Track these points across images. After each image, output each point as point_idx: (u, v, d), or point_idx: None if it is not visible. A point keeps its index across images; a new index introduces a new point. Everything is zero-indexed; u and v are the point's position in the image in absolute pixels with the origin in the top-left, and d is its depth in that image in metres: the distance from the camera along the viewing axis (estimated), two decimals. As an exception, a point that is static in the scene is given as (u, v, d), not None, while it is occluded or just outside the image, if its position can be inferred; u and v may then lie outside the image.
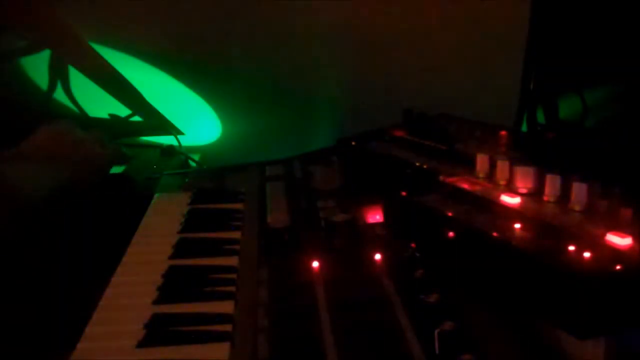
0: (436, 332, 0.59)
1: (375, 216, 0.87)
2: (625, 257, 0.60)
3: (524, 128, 1.23)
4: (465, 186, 0.80)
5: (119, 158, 1.11)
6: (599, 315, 0.57)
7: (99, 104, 1.39)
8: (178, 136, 1.36)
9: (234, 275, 0.73)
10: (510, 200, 0.74)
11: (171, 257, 0.79)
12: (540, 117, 1.21)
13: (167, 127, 1.39)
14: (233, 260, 0.77)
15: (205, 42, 1.43)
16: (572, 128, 1.17)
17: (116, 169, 1.17)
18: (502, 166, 0.80)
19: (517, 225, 0.69)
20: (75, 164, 0.94)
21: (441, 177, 0.83)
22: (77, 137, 0.99)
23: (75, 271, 0.92)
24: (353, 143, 1.07)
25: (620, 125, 1.10)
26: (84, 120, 1.39)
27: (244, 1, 1.39)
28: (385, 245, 0.78)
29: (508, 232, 0.68)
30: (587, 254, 0.60)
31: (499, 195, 0.75)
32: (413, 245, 0.77)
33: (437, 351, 0.58)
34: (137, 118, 1.40)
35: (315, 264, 0.74)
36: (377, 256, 0.76)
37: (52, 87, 1.40)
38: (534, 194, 0.75)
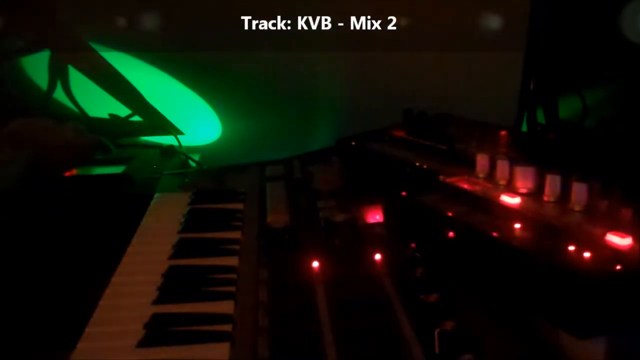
0: (436, 332, 0.59)
1: (375, 216, 0.87)
2: (625, 257, 0.60)
3: (524, 128, 1.22)
4: (465, 186, 0.80)
5: (100, 148, 1.10)
6: (599, 315, 0.57)
7: (99, 104, 1.39)
8: (178, 136, 1.37)
9: (234, 275, 0.73)
10: (510, 200, 0.74)
11: (171, 257, 0.79)
12: (540, 117, 1.21)
13: (167, 127, 1.39)
14: (233, 260, 0.77)
15: (205, 42, 1.43)
16: (572, 128, 1.17)
17: (116, 169, 1.17)
18: (502, 166, 0.80)
19: (517, 225, 0.69)
20: (49, 150, 0.94)
21: (441, 177, 0.83)
22: (50, 125, 0.99)
23: (75, 271, 0.92)
24: (353, 143, 1.07)
25: (620, 125, 1.10)
26: (83, 120, 1.39)
27: (245, 1, 1.39)
28: (385, 245, 0.78)
29: (508, 232, 0.68)
30: (587, 254, 0.60)
31: (499, 195, 0.75)
32: (413, 245, 0.77)
33: (437, 351, 0.58)
34: (137, 118, 1.40)
35: (315, 264, 0.74)
36: (377, 256, 0.76)
37: (52, 87, 1.40)
38: (534, 194, 0.75)
